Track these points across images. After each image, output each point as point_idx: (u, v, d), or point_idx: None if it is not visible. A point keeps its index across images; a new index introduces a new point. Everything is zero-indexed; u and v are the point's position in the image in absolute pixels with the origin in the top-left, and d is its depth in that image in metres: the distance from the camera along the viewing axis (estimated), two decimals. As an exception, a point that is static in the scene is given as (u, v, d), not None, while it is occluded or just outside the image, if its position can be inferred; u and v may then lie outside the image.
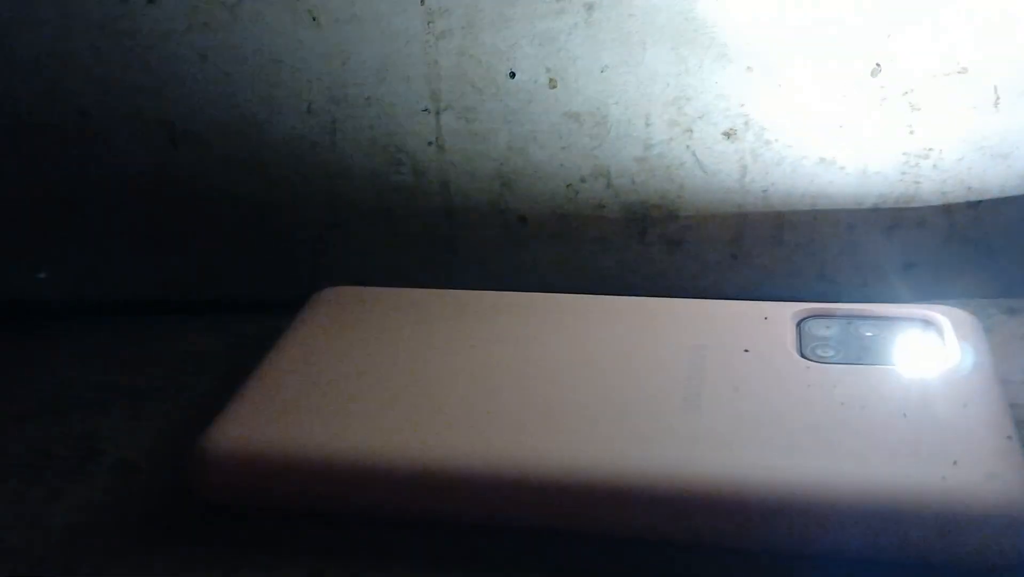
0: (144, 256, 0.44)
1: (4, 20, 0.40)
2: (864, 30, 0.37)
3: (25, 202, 0.44)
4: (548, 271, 0.43)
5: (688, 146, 0.40)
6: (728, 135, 0.39)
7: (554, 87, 0.39)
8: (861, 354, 0.34)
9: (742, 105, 0.39)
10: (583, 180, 0.41)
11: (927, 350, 0.34)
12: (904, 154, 0.39)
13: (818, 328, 0.35)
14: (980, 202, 0.40)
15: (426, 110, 0.41)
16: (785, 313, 0.36)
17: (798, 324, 0.35)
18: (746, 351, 0.34)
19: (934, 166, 0.39)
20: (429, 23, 0.39)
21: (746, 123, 0.39)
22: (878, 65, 0.38)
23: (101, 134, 0.42)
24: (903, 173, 0.39)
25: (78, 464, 0.35)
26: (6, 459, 0.36)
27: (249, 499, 0.32)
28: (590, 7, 0.38)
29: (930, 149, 0.39)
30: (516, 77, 0.39)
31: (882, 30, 0.37)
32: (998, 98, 0.38)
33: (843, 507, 0.28)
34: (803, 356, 0.34)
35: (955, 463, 0.28)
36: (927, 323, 0.35)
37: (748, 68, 0.38)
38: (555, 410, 0.32)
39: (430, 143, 0.41)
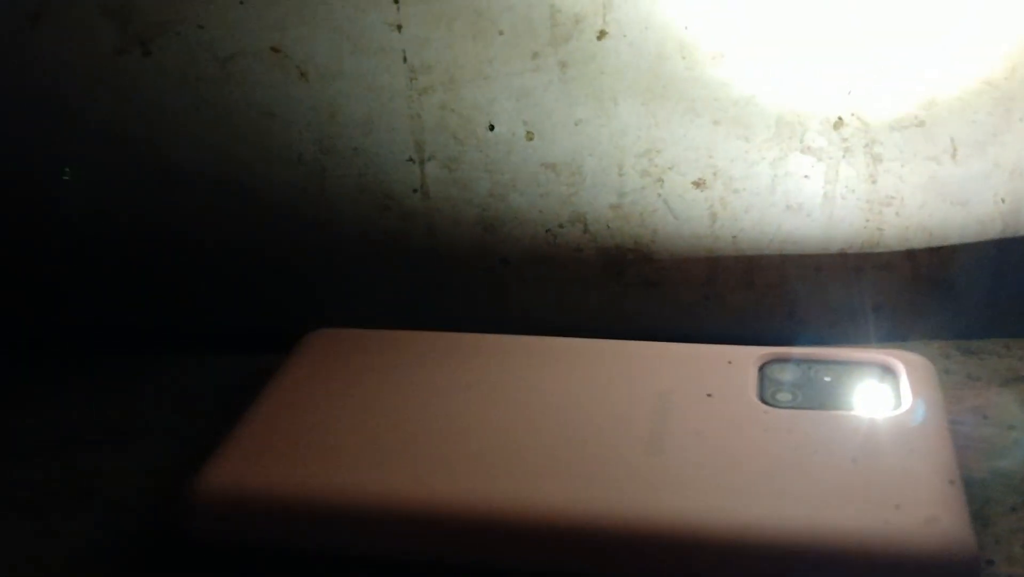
0: (136, 299, 0.46)
1: None
2: (826, 86, 0.39)
3: (25, 245, 0.46)
4: (530, 310, 0.45)
5: (660, 194, 0.42)
6: (697, 184, 0.41)
7: (531, 139, 0.41)
8: (819, 399, 0.35)
9: (710, 156, 0.41)
10: (561, 225, 0.43)
11: (881, 396, 0.35)
12: (868, 202, 0.41)
13: (779, 372, 0.37)
14: (941, 247, 0.41)
15: (411, 160, 0.42)
16: (748, 357, 0.38)
17: (760, 368, 0.37)
18: (709, 395, 0.36)
19: (896, 213, 0.41)
20: (412, 79, 0.41)
21: (714, 173, 0.41)
22: (840, 119, 0.39)
23: (97, 181, 0.44)
24: (867, 220, 0.41)
25: (65, 504, 0.36)
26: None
27: (237, 542, 0.33)
28: (564, 65, 0.40)
29: (892, 197, 0.40)
30: (495, 129, 0.41)
31: (843, 86, 0.39)
32: (955, 149, 0.39)
33: (792, 550, 0.30)
34: (763, 401, 0.35)
35: (897, 507, 0.30)
36: (884, 368, 0.37)
37: (715, 122, 0.40)
38: (535, 454, 0.34)
39: (415, 190, 0.43)
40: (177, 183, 0.44)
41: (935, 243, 0.41)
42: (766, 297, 0.43)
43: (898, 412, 0.34)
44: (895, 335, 0.42)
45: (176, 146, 0.43)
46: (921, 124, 0.39)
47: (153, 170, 0.44)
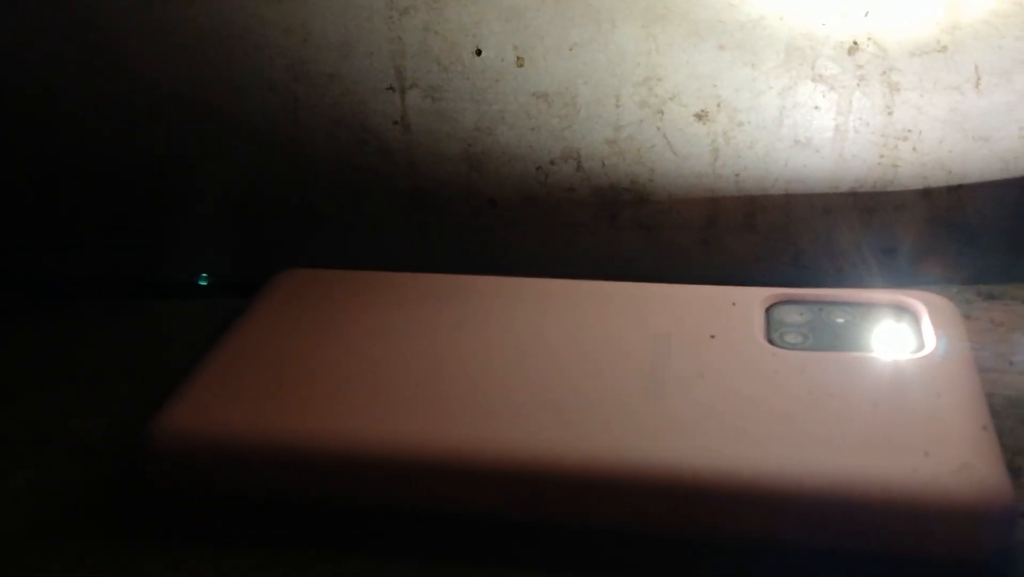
0: (99, 237, 0.43)
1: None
2: (841, 7, 0.36)
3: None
4: (517, 256, 0.42)
5: (659, 128, 0.39)
6: (700, 117, 0.38)
7: (521, 65, 0.38)
8: (831, 341, 0.32)
9: (714, 85, 0.38)
10: (552, 162, 0.40)
11: (901, 337, 0.33)
12: (882, 136, 0.38)
13: (787, 314, 0.34)
14: (961, 186, 0.38)
15: (390, 88, 0.39)
16: (754, 298, 0.35)
17: (767, 310, 0.34)
18: (712, 337, 0.33)
19: (913, 148, 0.38)
20: (392, -2, 0.38)
21: (718, 104, 0.38)
22: (855, 43, 0.36)
23: (56, 111, 0.41)
24: (881, 156, 0.38)
25: (28, 448, 0.34)
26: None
27: (198, 487, 0.31)
28: (558, -18, 0.37)
29: (909, 131, 0.38)
30: (483, 55, 0.38)
31: (859, 7, 0.36)
32: (979, 78, 0.36)
33: (810, 497, 0.27)
34: (771, 342, 0.32)
35: (927, 453, 0.27)
36: (902, 309, 0.34)
37: (720, 47, 0.37)
38: (517, 396, 0.31)
39: (395, 122, 0.40)
40: (136, 115, 0.41)
41: (954, 181, 0.38)
42: (769, 240, 0.40)
43: (922, 354, 0.31)
44: (909, 281, 0.39)
45: (135, 73, 0.40)
46: (943, 50, 0.36)
47: (110, 101, 0.40)
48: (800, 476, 0.27)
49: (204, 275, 0.43)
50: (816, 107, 0.38)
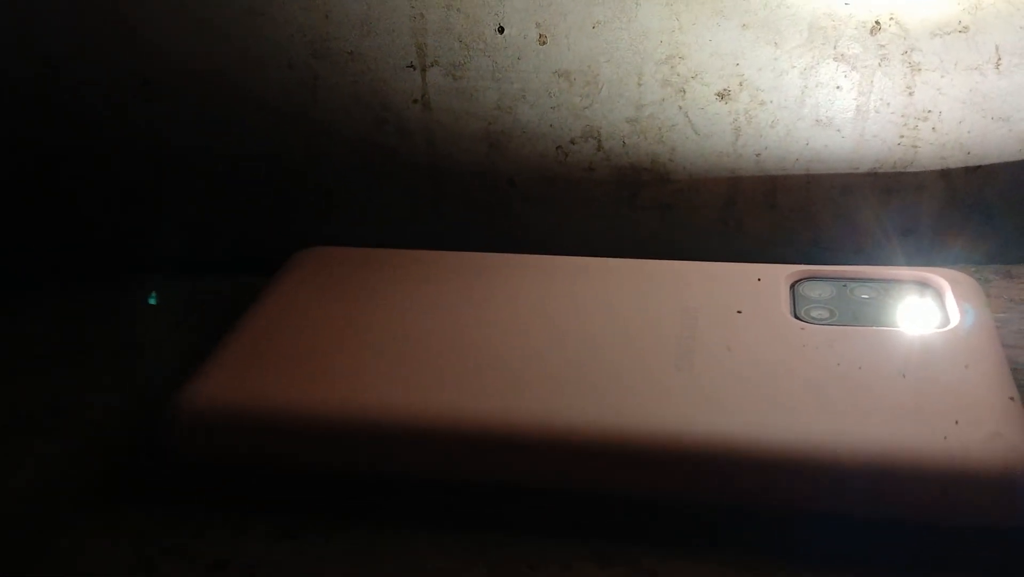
0: (117, 213, 0.43)
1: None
2: (863, -14, 0.36)
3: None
4: (536, 235, 0.42)
5: (680, 107, 0.39)
6: (721, 96, 0.38)
7: (544, 43, 0.38)
8: (857, 316, 0.33)
9: (736, 64, 0.38)
10: (572, 142, 0.40)
11: (926, 312, 0.33)
12: (903, 116, 0.38)
13: (812, 290, 0.34)
14: (979, 167, 0.39)
15: (411, 66, 0.39)
16: (779, 275, 0.35)
17: (792, 286, 0.34)
18: (739, 312, 0.33)
19: (933, 129, 0.38)
20: (415, -26, 0.38)
21: (740, 83, 0.38)
22: (877, 23, 0.37)
23: (71, 86, 0.41)
24: (901, 136, 0.38)
25: (53, 420, 0.34)
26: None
27: (221, 459, 0.31)
28: (582, -41, 0.37)
29: (929, 111, 0.38)
30: (505, 32, 0.38)
31: (882, -14, 0.36)
32: (999, 59, 0.37)
33: (842, 467, 0.27)
34: (797, 317, 0.33)
35: (957, 423, 0.27)
36: (925, 285, 0.34)
37: (743, 26, 0.37)
38: (543, 371, 0.31)
39: (415, 100, 0.40)
40: (156, 91, 0.41)
41: (972, 162, 0.38)
42: (789, 220, 0.40)
43: (948, 328, 0.31)
44: (928, 261, 0.39)
45: (155, 49, 0.40)
46: (964, 30, 0.36)
47: (130, 75, 0.40)
48: (832, 446, 0.27)
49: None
50: (838, 87, 0.38)
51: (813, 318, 0.33)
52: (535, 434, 0.29)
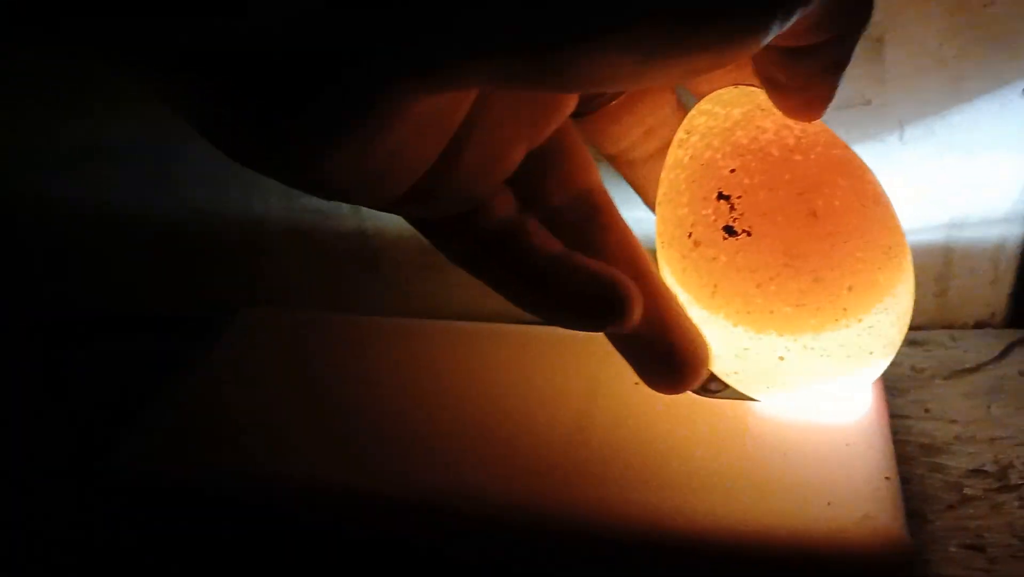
0: (53, 274, 0.44)
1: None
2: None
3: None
4: (467, 295, 0.43)
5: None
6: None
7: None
8: (751, 388, 0.33)
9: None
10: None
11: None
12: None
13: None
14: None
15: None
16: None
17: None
18: (636, 384, 0.34)
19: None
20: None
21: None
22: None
23: (7, 150, 0.42)
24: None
25: None
26: None
27: (143, 519, 0.33)
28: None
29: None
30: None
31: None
32: (903, 131, 0.38)
33: (717, 545, 0.28)
34: (694, 389, 0.33)
35: (829, 504, 0.28)
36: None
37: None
38: (441, 438, 0.32)
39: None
40: (93, 152, 0.41)
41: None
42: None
43: (834, 402, 0.32)
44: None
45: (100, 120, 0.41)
46: (868, 103, 0.37)
47: (67, 138, 0.41)
48: (709, 524, 0.28)
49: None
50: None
51: (708, 389, 0.33)
52: (440, 503, 0.30)
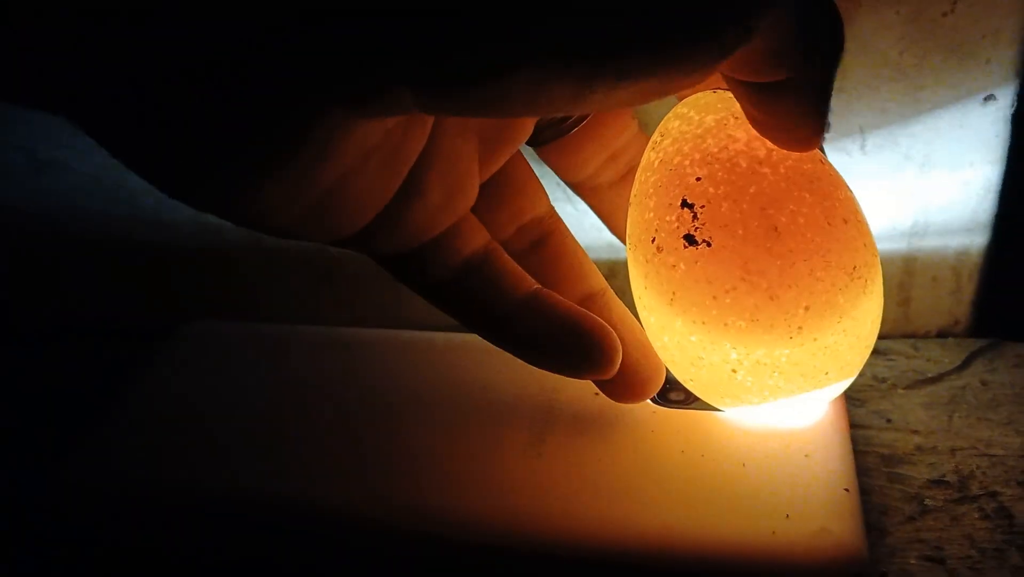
0: (5, 284, 0.43)
1: None
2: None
3: None
4: (423, 305, 0.42)
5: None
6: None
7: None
8: (711, 399, 0.33)
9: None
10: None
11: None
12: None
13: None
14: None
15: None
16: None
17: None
18: (596, 394, 0.33)
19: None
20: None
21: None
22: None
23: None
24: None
25: None
26: None
27: (96, 536, 0.32)
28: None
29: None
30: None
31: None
32: (864, 139, 0.37)
33: (673, 559, 0.28)
34: (653, 399, 0.33)
35: (788, 517, 0.28)
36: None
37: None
38: (396, 451, 0.32)
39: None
40: (44, 162, 0.41)
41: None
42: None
43: (793, 414, 0.32)
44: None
45: (42, 122, 0.40)
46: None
47: (17, 148, 0.41)
48: (666, 538, 0.28)
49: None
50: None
51: (669, 400, 0.33)
52: (399, 523, 0.30)
